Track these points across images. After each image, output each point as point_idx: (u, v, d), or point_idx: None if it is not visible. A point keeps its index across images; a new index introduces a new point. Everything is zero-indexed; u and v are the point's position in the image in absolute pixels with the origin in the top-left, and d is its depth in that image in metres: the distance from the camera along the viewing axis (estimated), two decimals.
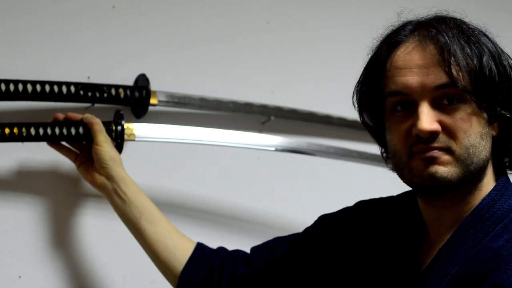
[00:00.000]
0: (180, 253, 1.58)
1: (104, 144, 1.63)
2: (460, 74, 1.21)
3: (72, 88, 1.72)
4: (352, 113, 2.14)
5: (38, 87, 1.68)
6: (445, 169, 1.21)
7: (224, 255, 1.56)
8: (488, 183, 1.27)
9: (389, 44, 1.27)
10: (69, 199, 1.79)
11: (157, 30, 1.91)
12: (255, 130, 2.00)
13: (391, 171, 1.32)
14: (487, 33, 1.25)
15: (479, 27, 1.26)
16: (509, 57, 1.26)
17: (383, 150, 1.34)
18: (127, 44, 1.87)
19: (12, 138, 1.61)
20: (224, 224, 1.98)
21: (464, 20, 1.27)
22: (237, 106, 1.95)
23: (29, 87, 1.67)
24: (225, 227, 1.98)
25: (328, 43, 2.16)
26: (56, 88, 1.70)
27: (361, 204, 1.46)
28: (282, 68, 2.08)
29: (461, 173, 1.22)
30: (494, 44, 1.24)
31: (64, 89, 1.71)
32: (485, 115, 1.23)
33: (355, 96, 1.32)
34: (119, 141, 1.70)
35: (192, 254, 1.57)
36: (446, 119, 1.22)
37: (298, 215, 2.04)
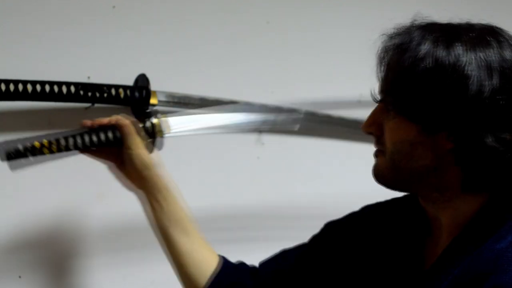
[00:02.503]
0: (206, 267, 1.51)
1: (135, 147, 1.50)
2: (386, 82, 1.25)
3: (72, 88, 1.72)
4: (352, 113, 2.15)
5: (38, 87, 1.68)
6: (380, 168, 1.30)
7: (243, 271, 1.53)
8: (465, 193, 1.26)
9: None
10: (69, 199, 1.79)
11: (157, 30, 1.91)
12: (255, 130, 2.00)
13: None
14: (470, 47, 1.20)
15: (468, 37, 1.22)
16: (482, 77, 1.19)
17: None
18: (127, 44, 1.87)
19: (41, 152, 1.51)
20: (223, 224, 1.98)
21: (444, 26, 1.26)
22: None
23: (29, 87, 1.67)
24: (223, 227, 1.98)
25: (328, 43, 2.16)
26: (56, 88, 1.70)
27: (366, 208, 1.46)
28: (282, 68, 2.08)
29: (393, 174, 1.28)
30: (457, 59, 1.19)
31: (64, 89, 1.71)
32: (414, 124, 1.23)
33: None
34: (153, 139, 1.59)
35: (218, 272, 1.51)
36: (385, 124, 1.28)
37: (298, 214, 2.04)
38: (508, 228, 1.20)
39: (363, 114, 2.23)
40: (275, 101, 2.02)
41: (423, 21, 1.26)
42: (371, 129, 1.30)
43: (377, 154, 1.31)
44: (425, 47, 1.20)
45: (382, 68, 1.26)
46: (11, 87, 1.65)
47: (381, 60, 1.26)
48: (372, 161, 2.23)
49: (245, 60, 2.05)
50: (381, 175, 1.29)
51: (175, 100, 1.87)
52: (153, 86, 1.82)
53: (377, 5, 2.20)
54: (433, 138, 1.23)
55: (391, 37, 1.26)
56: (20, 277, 1.74)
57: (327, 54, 2.16)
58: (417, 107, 1.21)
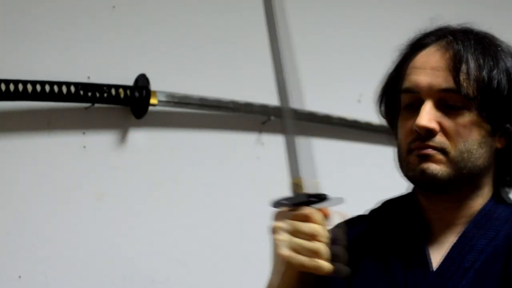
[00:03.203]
0: None
1: None
2: (467, 82, 1.25)
3: (72, 88, 1.72)
4: (352, 113, 2.15)
5: (38, 87, 1.68)
6: (437, 167, 1.25)
7: None
8: (489, 191, 1.30)
9: (414, 46, 1.33)
10: (69, 199, 1.79)
11: (157, 30, 1.91)
12: (255, 130, 2.00)
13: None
14: None
15: (505, 44, 1.29)
16: None
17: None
18: (127, 44, 1.87)
19: None
20: (222, 224, 1.98)
21: (489, 34, 1.30)
22: (237, 106, 1.95)
23: (29, 87, 1.67)
24: (223, 227, 1.98)
25: (328, 43, 2.16)
26: (56, 88, 1.70)
27: (349, 222, 1.42)
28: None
29: (452, 174, 1.25)
30: None
31: (64, 89, 1.71)
32: (487, 125, 1.25)
33: (378, 92, 1.34)
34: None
35: None
36: (447, 122, 1.26)
37: None
38: None
39: (363, 114, 2.24)
40: (275, 101, 2.02)
41: (472, 27, 1.30)
42: (433, 125, 1.25)
43: (429, 153, 1.24)
44: (504, 60, 1.25)
45: (451, 67, 1.25)
46: (11, 87, 1.65)
47: (453, 61, 1.25)
48: (370, 161, 2.23)
49: (245, 60, 2.05)
50: (439, 176, 1.24)
51: (175, 100, 1.87)
52: (153, 86, 1.82)
53: (377, 7, 2.20)
54: (493, 138, 1.26)
55: (458, 38, 1.26)
56: (20, 277, 1.74)
57: (327, 54, 2.16)
58: (501, 110, 1.24)
